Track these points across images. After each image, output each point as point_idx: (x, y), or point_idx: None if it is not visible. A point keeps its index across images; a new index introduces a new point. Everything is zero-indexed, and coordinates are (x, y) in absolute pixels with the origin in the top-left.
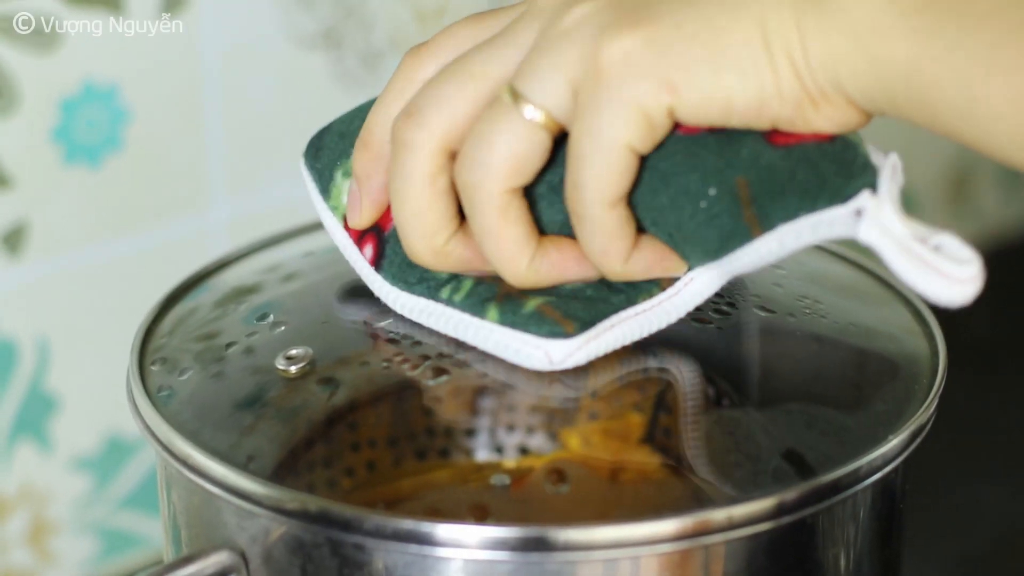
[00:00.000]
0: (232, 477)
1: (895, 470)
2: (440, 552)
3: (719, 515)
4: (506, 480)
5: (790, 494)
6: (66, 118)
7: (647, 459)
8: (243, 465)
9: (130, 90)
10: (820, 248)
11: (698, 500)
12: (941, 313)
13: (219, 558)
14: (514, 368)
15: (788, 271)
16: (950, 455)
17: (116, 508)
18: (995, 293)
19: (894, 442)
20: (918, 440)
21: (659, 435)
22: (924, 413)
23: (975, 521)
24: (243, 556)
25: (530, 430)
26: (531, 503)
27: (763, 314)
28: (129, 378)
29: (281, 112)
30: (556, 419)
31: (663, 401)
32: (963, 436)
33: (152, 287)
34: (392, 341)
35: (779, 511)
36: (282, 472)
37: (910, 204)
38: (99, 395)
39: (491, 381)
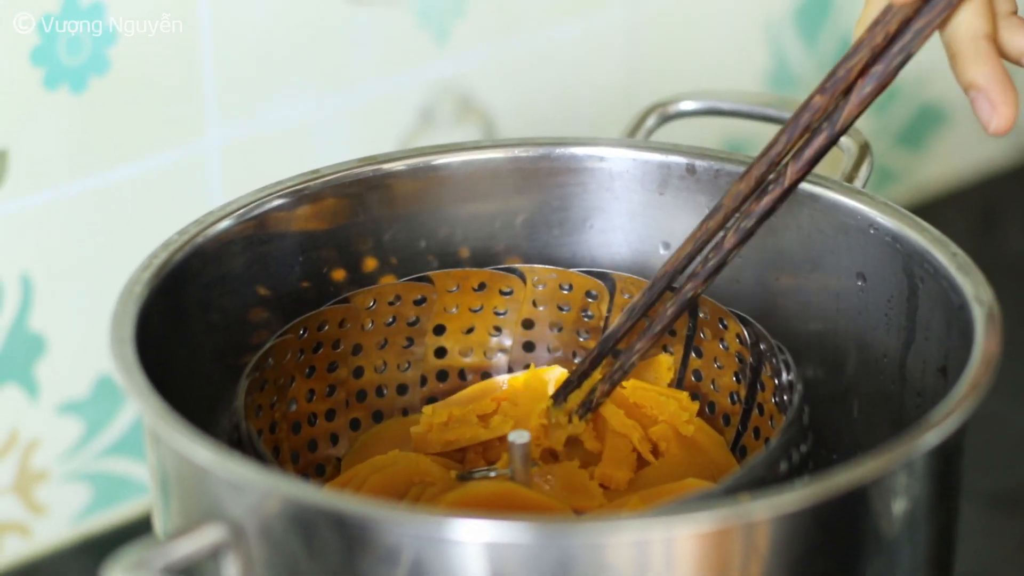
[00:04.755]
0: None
1: (959, 430)
2: (458, 535)
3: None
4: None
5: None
6: (46, 38)
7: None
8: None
9: (115, 7)
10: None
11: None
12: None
13: (212, 533)
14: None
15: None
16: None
17: (108, 454)
18: None
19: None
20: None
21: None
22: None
23: (1016, 455)
24: (238, 530)
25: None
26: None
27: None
28: (112, 333)
29: (279, 30)
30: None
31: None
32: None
33: (143, 219)
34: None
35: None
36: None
37: None
38: (87, 335)
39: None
